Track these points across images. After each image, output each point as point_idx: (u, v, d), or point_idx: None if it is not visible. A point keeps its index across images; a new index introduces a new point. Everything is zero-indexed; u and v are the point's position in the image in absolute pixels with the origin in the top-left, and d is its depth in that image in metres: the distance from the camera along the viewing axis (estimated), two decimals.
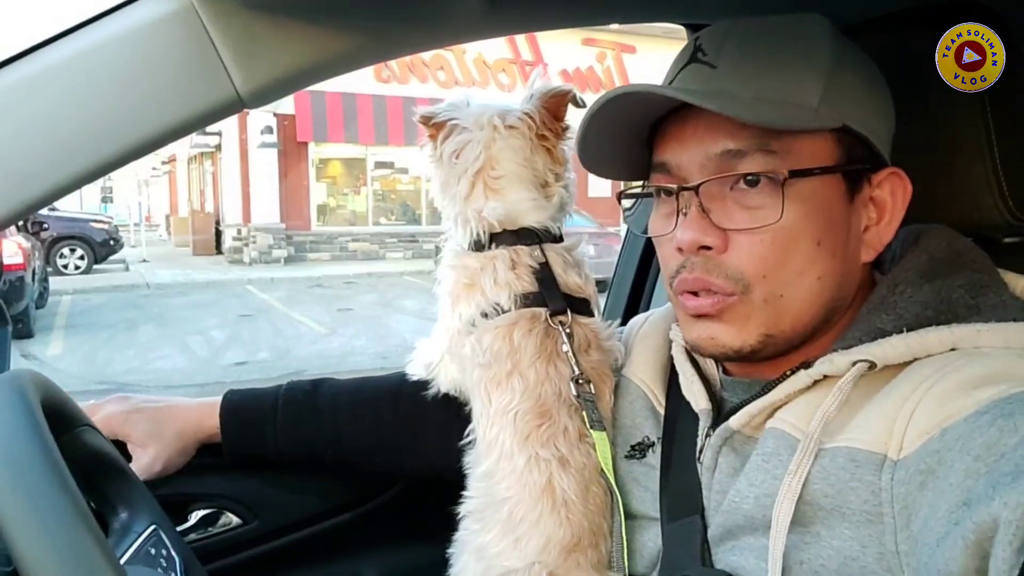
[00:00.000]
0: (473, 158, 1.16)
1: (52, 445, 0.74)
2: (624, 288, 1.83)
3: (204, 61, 0.96)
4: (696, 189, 0.90)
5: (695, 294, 0.93)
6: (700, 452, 0.99)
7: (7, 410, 0.75)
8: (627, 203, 1.10)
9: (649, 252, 1.80)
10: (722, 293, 0.90)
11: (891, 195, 0.94)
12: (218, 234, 22.04)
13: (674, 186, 0.93)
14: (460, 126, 1.18)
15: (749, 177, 0.88)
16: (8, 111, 0.90)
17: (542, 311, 1.11)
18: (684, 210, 0.92)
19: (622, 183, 1.09)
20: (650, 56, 18.71)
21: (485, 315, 1.12)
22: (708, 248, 0.90)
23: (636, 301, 1.83)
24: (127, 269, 19.05)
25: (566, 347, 1.10)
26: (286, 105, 18.35)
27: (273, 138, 18.92)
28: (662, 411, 1.09)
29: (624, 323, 1.33)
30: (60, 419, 0.84)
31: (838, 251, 0.91)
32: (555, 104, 1.20)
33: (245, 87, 0.99)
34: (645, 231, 1.07)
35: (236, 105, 1.00)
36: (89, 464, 0.95)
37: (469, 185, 1.17)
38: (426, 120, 1.23)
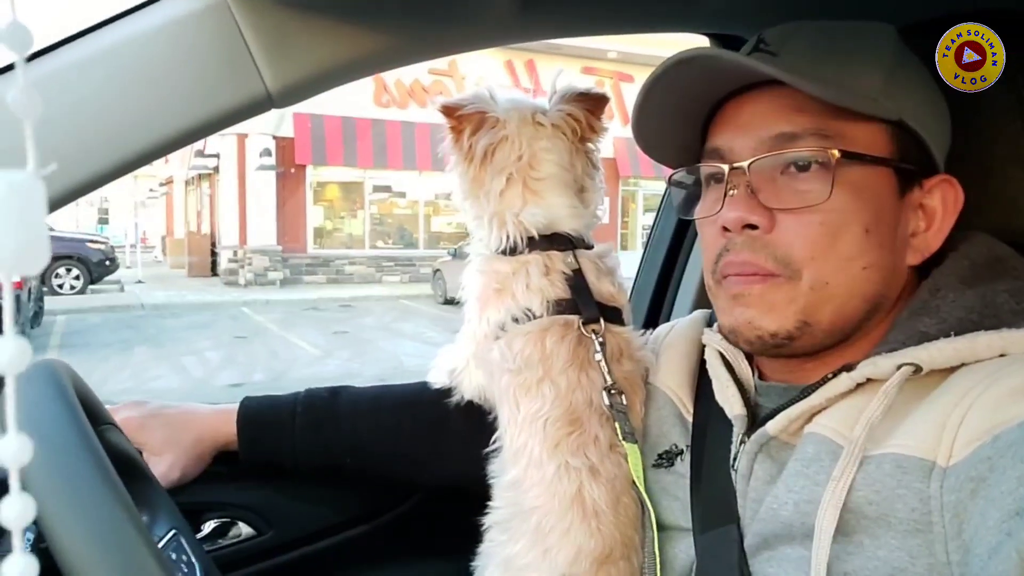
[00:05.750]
0: (515, 157, 1.12)
1: (91, 433, 0.72)
2: (644, 299, 1.82)
3: (235, 58, 0.95)
4: (746, 169, 0.90)
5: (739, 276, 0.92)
6: (734, 459, 0.96)
7: (46, 397, 0.73)
8: (676, 190, 1.08)
9: (670, 263, 1.79)
10: (767, 275, 0.89)
11: (942, 203, 0.93)
12: (214, 256, 22.00)
13: (724, 166, 0.92)
14: (493, 119, 1.13)
15: (800, 162, 0.88)
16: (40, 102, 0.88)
17: (575, 318, 1.08)
18: (732, 191, 0.91)
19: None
20: None
21: (516, 320, 1.09)
22: (754, 228, 0.89)
23: (656, 312, 1.81)
24: (122, 290, 18.97)
25: (599, 356, 1.07)
26: (285, 128, 18.43)
27: (271, 160, 18.96)
28: (690, 418, 1.07)
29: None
30: (88, 414, 0.82)
31: (885, 244, 0.89)
32: (596, 105, 1.17)
33: (275, 85, 0.98)
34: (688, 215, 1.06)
35: (265, 103, 1.00)
36: (112, 463, 0.92)
37: (506, 184, 1.13)
38: (450, 111, 1.15)
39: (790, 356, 0.94)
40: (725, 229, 0.91)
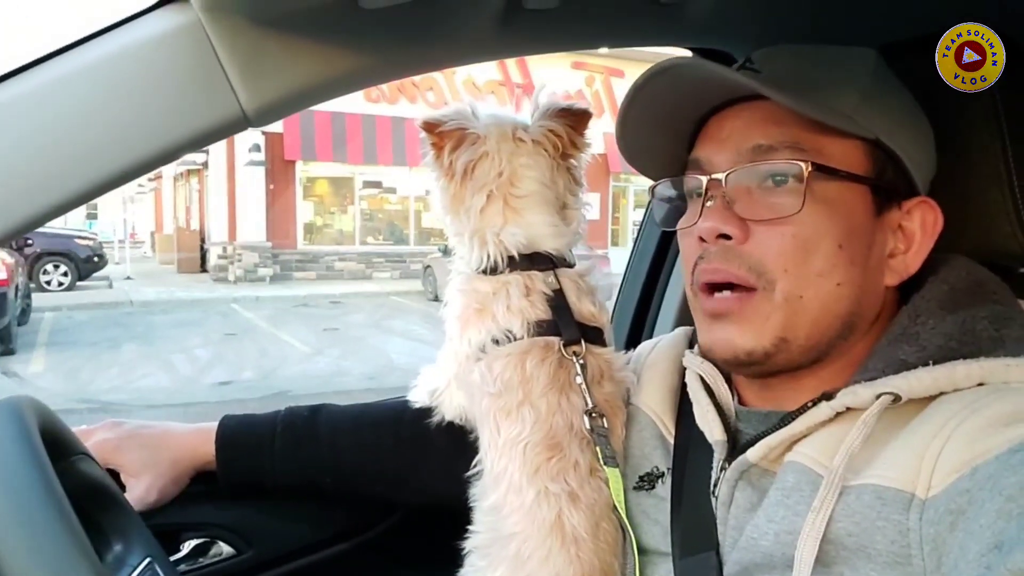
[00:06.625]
0: (495, 173, 1.10)
1: (52, 475, 0.71)
2: (627, 315, 1.81)
3: (210, 78, 0.94)
4: (723, 180, 0.91)
5: (716, 290, 0.92)
6: (715, 486, 0.96)
7: (6, 438, 0.72)
8: (658, 203, 1.09)
9: (653, 279, 1.79)
10: (743, 285, 0.90)
11: (920, 225, 0.93)
12: (203, 252, 21.92)
13: (703, 178, 0.93)
14: (474, 136, 1.12)
15: (775, 174, 0.89)
16: (10, 124, 0.87)
17: (555, 340, 1.07)
18: (709, 202, 0.92)
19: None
20: None
21: (496, 342, 1.08)
22: (728, 238, 0.90)
23: (639, 328, 1.81)
24: (111, 286, 18.88)
25: (579, 379, 1.06)
26: (275, 123, 18.34)
27: (261, 156, 18.90)
28: (671, 440, 1.06)
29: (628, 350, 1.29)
30: (56, 447, 0.81)
31: (858, 261, 0.90)
32: (579, 121, 1.16)
33: (251, 105, 0.96)
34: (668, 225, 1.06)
35: (241, 123, 0.98)
36: (84, 494, 0.91)
37: (486, 201, 1.11)
38: (431, 127, 1.14)
39: (767, 375, 0.94)
40: (701, 239, 0.92)
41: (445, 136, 1.13)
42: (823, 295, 0.89)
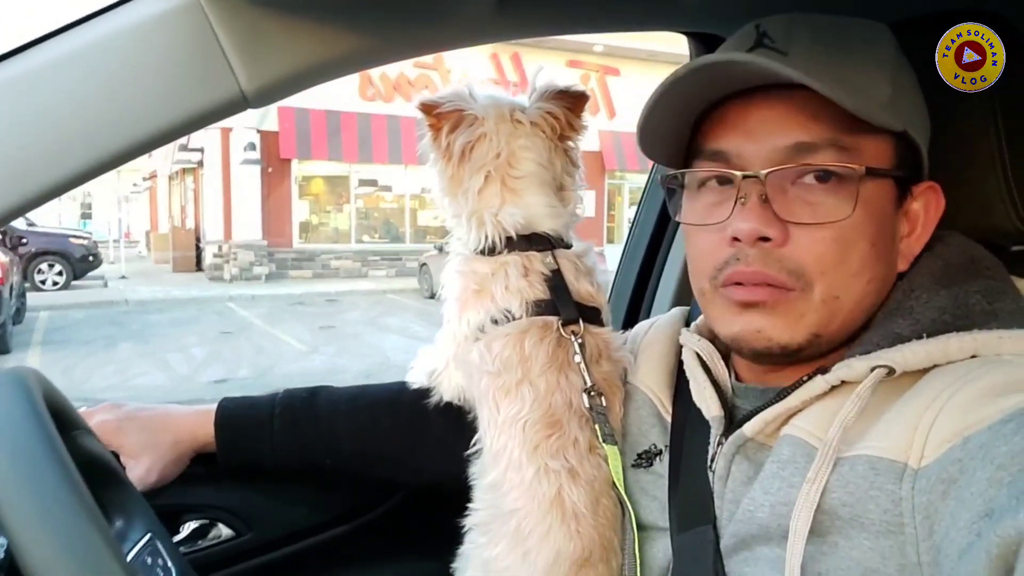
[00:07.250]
0: (493, 155, 1.11)
1: (59, 441, 0.71)
2: (623, 300, 1.82)
3: (208, 58, 0.94)
4: (762, 178, 0.87)
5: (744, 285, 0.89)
6: (712, 460, 0.96)
7: (13, 404, 0.73)
8: (672, 192, 1.03)
9: (648, 264, 1.79)
10: (782, 288, 0.87)
11: (924, 208, 0.93)
12: (199, 251, 21.87)
13: (737, 173, 0.89)
14: (472, 117, 1.12)
15: (821, 173, 0.86)
16: (7, 105, 0.87)
17: (554, 320, 1.08)
18: (742, 199, 0.88)
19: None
20: (634, 79, 18.91)
21: (495, 322, 1.09)
22: (766, 240, 0.87)
23: (636, 308, 1.82)
24: (106, 285, 18.81)
25: (578, 357, 1.07)
26: (269, 122, 18.32)
27: (256, 155, 18.84)
28: (669, 418, 1.07)
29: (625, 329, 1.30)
30: (59, 420, 0.81)
31: (883, 256, 0.90)
32: (576, 103, 1.17)
33: (250, 85, 0.97)
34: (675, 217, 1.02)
35: (240, 103, 0.99)
36: (86, 469, 0.91)
37: (484, 183, 1.12)
38: (429, 108, 1.14)
39: (788, 364, 0.93)
40: (735, 239, 0.88)
41: (443, 117, 1.14)
42: (856, 293, 0.88)
